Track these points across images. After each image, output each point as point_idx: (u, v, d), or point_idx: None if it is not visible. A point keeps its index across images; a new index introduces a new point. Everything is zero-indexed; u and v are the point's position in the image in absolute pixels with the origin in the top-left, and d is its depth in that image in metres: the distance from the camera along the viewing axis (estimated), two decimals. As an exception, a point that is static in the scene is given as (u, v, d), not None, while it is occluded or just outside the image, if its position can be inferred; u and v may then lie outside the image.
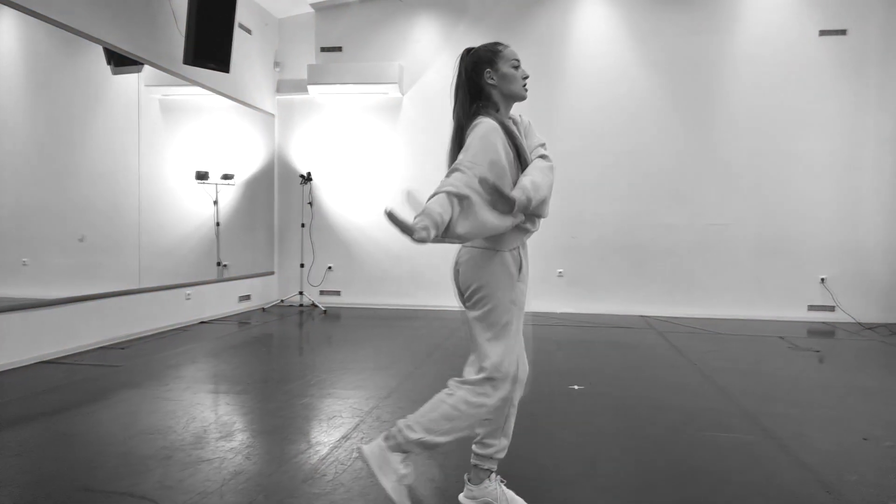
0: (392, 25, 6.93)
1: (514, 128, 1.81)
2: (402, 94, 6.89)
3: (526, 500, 1.88)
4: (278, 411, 2.87)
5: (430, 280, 6.89)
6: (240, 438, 2.47)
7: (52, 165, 4.19)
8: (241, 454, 2.28)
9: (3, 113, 3.81)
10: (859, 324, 6.09)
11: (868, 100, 6.28)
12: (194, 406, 2.93)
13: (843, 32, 6.30)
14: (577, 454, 2.39)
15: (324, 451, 2.33)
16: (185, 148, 5.58)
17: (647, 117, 6.58)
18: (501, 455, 1.86)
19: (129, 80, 4.84)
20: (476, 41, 6.92)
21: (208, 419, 2.73)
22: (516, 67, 1.85)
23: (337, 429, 2.59)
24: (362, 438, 2.46)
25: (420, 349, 4.48)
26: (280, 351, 4.56)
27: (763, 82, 6.41)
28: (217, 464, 2.17)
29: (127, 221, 4.83)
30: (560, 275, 6.71)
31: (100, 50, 4.48)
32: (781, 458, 2.40)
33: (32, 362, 3.73)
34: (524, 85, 1.86)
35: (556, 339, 4.97)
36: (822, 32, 6.33)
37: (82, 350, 4.14)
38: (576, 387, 3.40)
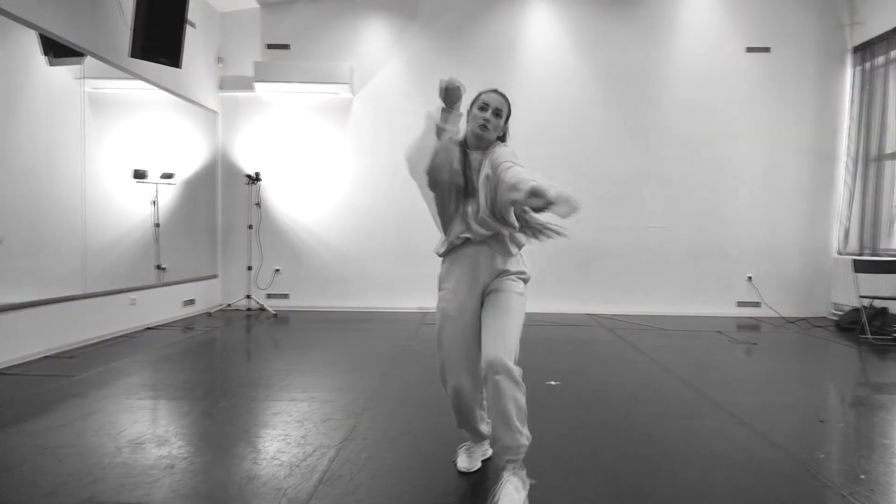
0: (341, 25, 6.85)
1: (469, 152, 2.08)
2: (353, 95, 6.83)
3: (545, 492, 1.94)
4: (267, 416, 2.79)
5: (380, 282, 6.86)
6: (239, 444, 2.39)
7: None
8: (248, 459, 2.21)
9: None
10: (783, 318, 6.60)
11: (787, 113, 6.83)
12: (175, 414, 2.80)
13: (767, 50, 6.82)
14: (577, 446, 2.48)
15: (330, 452, 2.30)
16: (121, 145, 5.25)
17: (591, 125, 6.85)
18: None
19: (55, 71, 4.46)
20: (427, 44, 7.00)
21: (197, 426, 2.62)
22: (482, 108, 2.07)
23: (335, 430, 2.56)
24: (365, 443, 2.44)
25: (387, 350, 4.46)
26: (241, 356, 4.41)
27: (696, 93, 6.84)
28: (226, 470, 2.09)
29: (52, 222, 4.41)
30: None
31: (23, 36, 4.08)
32: (757, 441, 2.59)
33: (-27, 374, 3.43)
34: (480, 124, 2.05)
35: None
36: (749, 49, 6.82)
37: (27, 360, 3.84)
38: (552, 382, 3.51)
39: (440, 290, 2.14)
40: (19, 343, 3.85)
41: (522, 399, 1.88)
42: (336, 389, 3.28)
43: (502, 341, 1.89)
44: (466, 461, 2.18)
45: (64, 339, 4.27)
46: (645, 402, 3.18)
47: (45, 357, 3.97)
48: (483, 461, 2.26)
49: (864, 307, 5.46)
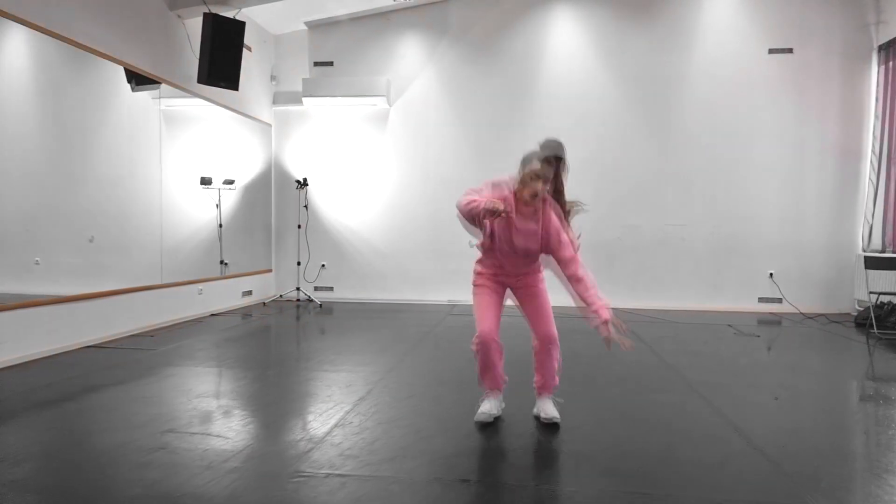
0: (379, 42, 7.51)
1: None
2: (390, 106, 7.48)
3: (546, 451, 2.50)
4: (302, 381, 3.47)
5: (414, 276, 7.49)
6: (279, 399, 3.06)
7: (62, 171, 4.47)
8: (284, 408, 2.88)
9: (20, 122, 4.09)
10: (802, 314, 6.82)
11: (810, 112, 7.02)
12: (232, 378, 3.51)
13: (789, 51, 7.03)
14: (568, 414, 3.01)
15: (347, 407, 2.93)
16: (189, 156, 6.05)
17: (614, 127, 7.25)
18: None
19: (136, 93, 5.23)
20: (457, 57, 7.59)
21: (250, 387, 3.32)
22: (534, 177, 2.56)
23: (354, 393, 3.20)
24: (376, 402, 3.07)
25: (412, 336, 5.08)
26: (290, 338, 5.13)
27: (718, 95, 7.12)
28: (270, 414, 2.77)
29: (134, 224, 5.21)
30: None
31: (110, 67, 4.84)
32: (705, 411, 3.05)
33: (77, 347, 4.26)
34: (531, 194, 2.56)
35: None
36: (771, 51, 7.05)
37: (117, 337, 4.69)
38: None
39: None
40: (112, 323, 4.72)
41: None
42: (362, 364, 3.92)
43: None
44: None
45: (146, 320, 5.12)
46: (626, 380, 3.67)
47: (132, 335, 4.81)
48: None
49: (875, 304, 5.67)
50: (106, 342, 4.52)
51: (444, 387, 3.39)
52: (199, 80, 5.42)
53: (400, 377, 3.60)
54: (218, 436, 2.48)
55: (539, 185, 2.54)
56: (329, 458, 2.28)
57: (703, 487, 2.09)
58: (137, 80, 5.14)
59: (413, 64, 7.47)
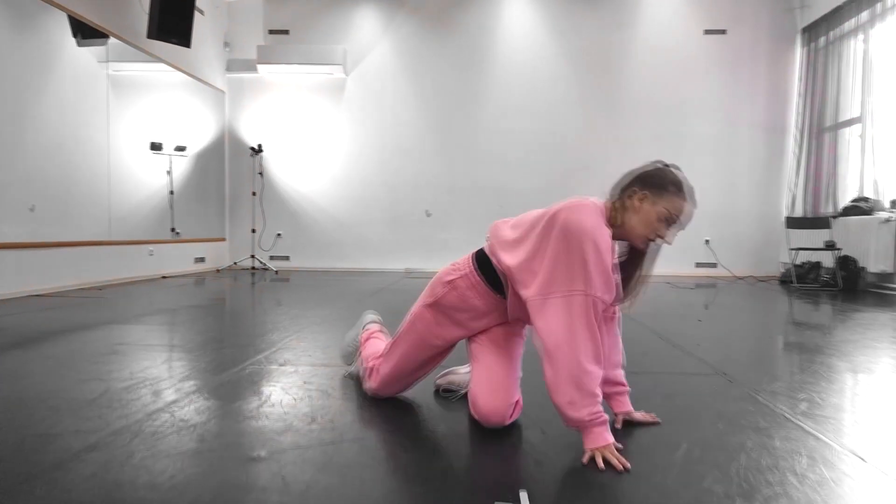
0: (335, 12, 7.59)
1: None
2: (346, 76, 7.58)
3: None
4: (262, 321, 3.58)
5: (372, 245, 7.63)
6: (245, 332, 3.17)
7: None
8: (245, 334, 3.00)
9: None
10: (735, 276, 7.28)
11: (743, 90, 7.48)
12: (193, 313, 3.60)
13: (723, 32, 7.47)
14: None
15: (295, 331, 3.08)
16: (139, 121, 5.97)
17: (564, 101, 7.55)
18: None
19: (81, 56, 5.10)
20: (414, 29, 7.74)
21: (209, 319, 3.42)
22: (668, 222, 1.51)
23: (308, 321, 3.35)
24: (330, 327, 3.22)
25: (367, 289, 5.24)
26: (244, 294, 5.20)
27: (659, 73, 7.50)
28: (240, 330, 2.88)
29: (78, 191, 5.04)
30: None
31: (53, 24, 4.74)
32: (630, 325, 3.32)
33: (24, 295, 4.24)
34: (651, 239, 1.52)
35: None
36: (707, 31, 7.47)
37: (64, 290, 4.66)
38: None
39: None
40: (59, 275, 4.69)
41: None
42: (316, 306, 4.06)
43: None
44: None
45: (93, 276, 5.09)
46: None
47: (80, 288, 4.79)
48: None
49: (794, 261, 6.12)
50: (52, 293, 4.49)
51: (399, 317, 3.55)
52: (150, 35, 5.41)
53: (350, 315, 3.75)
54: (173, 345, 2.59)
55: (666, 233, 1.53)
56: (284, 356, 2.42)
57: (623, 369, 2.33)
58: (83, 33, 5.09)
59: (370, 34, 7.59)
